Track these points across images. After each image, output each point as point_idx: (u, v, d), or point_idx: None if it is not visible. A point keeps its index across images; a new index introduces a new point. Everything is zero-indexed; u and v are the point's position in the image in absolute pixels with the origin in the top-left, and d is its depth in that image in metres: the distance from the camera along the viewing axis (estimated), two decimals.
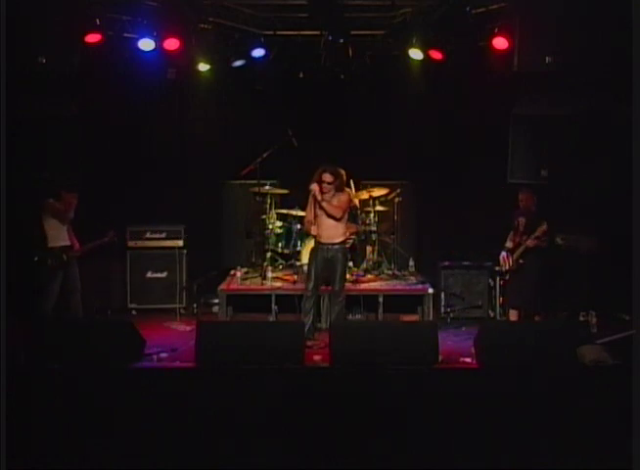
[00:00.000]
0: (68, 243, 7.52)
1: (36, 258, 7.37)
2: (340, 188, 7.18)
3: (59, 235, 7.45)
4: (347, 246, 8.47)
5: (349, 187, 8.19)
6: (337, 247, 7.24)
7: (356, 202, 8.59)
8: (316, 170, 7.18)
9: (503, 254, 7.48)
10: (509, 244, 7.47)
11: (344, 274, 7.43)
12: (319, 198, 7.06)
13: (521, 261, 7.29)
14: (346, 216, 7.35)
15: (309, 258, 7.41)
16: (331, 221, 7.16)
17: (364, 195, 8.87)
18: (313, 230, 7.18)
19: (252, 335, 5.45)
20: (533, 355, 5.16)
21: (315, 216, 7.16)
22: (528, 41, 7.35)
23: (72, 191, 7.45)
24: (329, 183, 7.07)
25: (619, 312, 7.82)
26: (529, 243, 7.20)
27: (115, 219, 8.12)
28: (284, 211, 8.83)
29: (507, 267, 7.44)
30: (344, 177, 7.34)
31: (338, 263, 7.23)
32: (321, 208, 7.09)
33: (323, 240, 7.20)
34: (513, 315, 7.45)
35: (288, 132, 8.53)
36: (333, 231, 7.20)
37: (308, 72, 8.82)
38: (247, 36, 8.42)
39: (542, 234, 7.14)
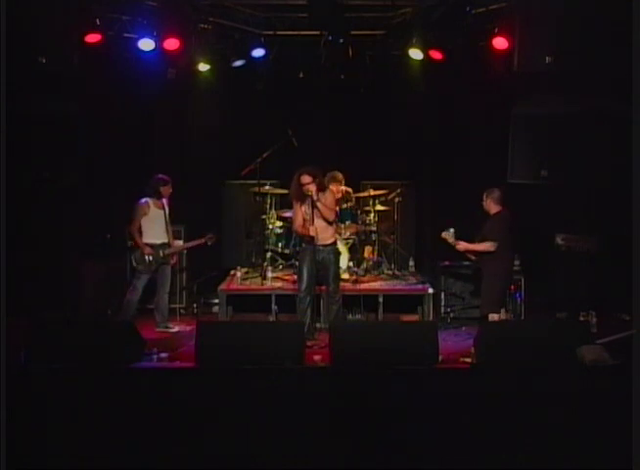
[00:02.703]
0: (165, 240, 7.75)
1: (137, 254, 7.63)
2: (322, 188, 7.21)
3: (155, 233, 7.68)
4: (349, 245, 8.52)
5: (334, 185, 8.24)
6: (328, 248, 7.28)
7: (345, 190, 8.56)
8: (296, 175, 7.16)
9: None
10: None
11: (338, 274, 7.49)
12: (315, 198, 7.07)
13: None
14: (336, 217, 7.42)
15: (299, 259, 7.43)
16: (323, 223, 7.20)
17: (364, 195, 8.88)
18: (312, 231, 7.17)
19: (252, 335, 5.45)
20: (533, 355, 5.16)
21: (304, 220, 7.17)
22: (528, 41, 7.35)
23: (167, 184, 7.70)
24: (308, 183, 7.08)
25: (619, 312, 7.83)
26: (459, 247, 7.17)
27: (116, 219, 8.12)
28: (286, 214, 8.83)
29: None
30: (322, 176, 7.38)
31: (330, 264, 7.28)
32: (315, 209, 7.11)
33: (316, 241, 7.21)
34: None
35: (288, 132, 8.53)
36: (325, 232, 7.24)
37: (308, 72, 8.83)
38: (247, 36, 8.43)
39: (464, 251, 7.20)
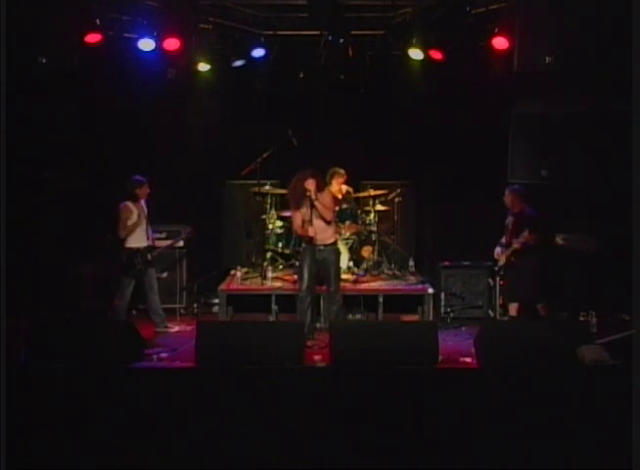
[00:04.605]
0: (150, 242, 7.69)
1: (124, 259, 7.53)
2: (320, 188, 7.23)
3: (139, 237, 7.60)
4: (349, 245, 8.52)
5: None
6: (329, 248, 7.29)
7: (347, 190, 8.62)
8: (296, 178, 7.18)
9: (497, 249, 7.68)
10: (503, 240, 7.66)
11: (339, 274, 7.50)
12: (314, 197, 7.08)
13: (512, 259, 7.47)
14: (335, 217, 7.44)
15: (300, 259, 7.45)
16: (322, 223, 7.21)
17: (364, 195, 8.88)
18: (310, 231, 7.18)
19: (252, 335, 5.45)
20: (533, 356, 5.16)
21: (303, 221, 7.19)
22: (528, 41, 7.35)
23: (143, 185, 7.57)
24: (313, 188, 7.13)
25: (619, 312, 7.83)
26: (515, 245, 7.41)
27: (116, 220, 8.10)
28: (286, 214, 8.83)
29: (501, 263, 7.60)
30: (321, 178, 7.41)
31: (331, 264, 7.29)
32: (313, 209, 7.12)
33: (315, 241, 7.22)
34: (512, 309, 7.63)
35: (288, 132, 8.53)
36: (324, 232, 7.26)
37: (308, 72, 8.82)
38: (247, 36, 8.43)
39: (525, 240, 7.32)
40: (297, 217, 7.30)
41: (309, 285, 7.26)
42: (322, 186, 7.31)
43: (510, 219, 7.60)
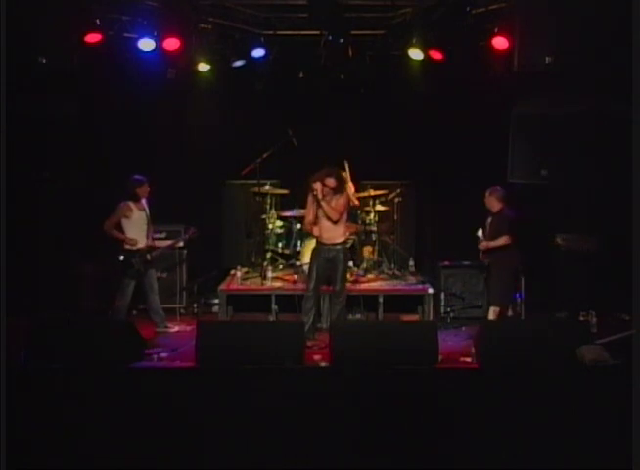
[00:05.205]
0: (150, 242, 7.69)
1: (122, 259, 7.51)
2: (339, 190, 7.21)
3: (140, 237, 7.59)
4: (348, 245, 8.51)
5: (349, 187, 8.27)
6: (338, 247, 7.29)
7: (356, 201, 8.62)
8: (319, 170, 7.20)
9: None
10: None
11: (345, 274, 7.48)
12: (320, 197, 7.09)
13: (489, 260, 7.46)
14: (345, 217, 7.40)
15: (311, 258, 7.45)
16: (328, 223, 7.22)
17: (364, 195, 8.88)
18: (315, 231, 7.24)
19: (252, 335, 5.45)
20: (533, 356, 5.16)
21: (315, 217, 7.19)
22: (528, 41, 7.36)
23: (142, 184, 7.57)
24: (331, 188, 7.13)
25: (619, 312, 7.83)
26: (479, 246, 7.40)
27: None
28: (286, 214, 8.84)
29: (486, 264, 7.59)
30: (344, 180, 7.43)
31: (339, 263, 7.28)
32: (320, 208, 7.13)
33: (324, 240, 7.25)
34: (492, 313, 7.32)
35: (288, 132, 8.54)
36: (332, 232, 7.26)
37: (308, 72, 8.82)
38: (247, 36, 8.43)
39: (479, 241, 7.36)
40: (310, 212, 7.30)
41: (316, 285, 7.29)
42: (342, 189, 7.29)
43: (488, 220, 7.51)
